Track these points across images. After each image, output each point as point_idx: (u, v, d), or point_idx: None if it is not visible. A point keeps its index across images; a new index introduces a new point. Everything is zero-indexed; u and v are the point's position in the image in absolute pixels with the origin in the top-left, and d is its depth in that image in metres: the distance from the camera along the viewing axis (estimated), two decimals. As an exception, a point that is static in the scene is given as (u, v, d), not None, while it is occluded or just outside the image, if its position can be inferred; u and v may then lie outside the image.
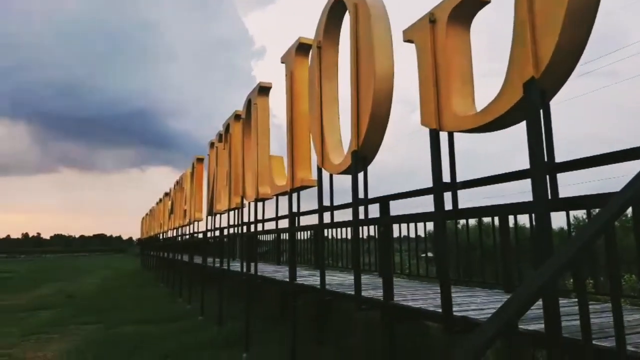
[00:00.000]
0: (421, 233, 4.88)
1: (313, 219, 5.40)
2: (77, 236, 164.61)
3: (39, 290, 17.69)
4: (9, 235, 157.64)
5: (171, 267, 16.95)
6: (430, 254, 6.09)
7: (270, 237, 10.61)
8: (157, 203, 23.13)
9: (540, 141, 2.51)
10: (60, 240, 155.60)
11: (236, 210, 8.32)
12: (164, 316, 10.14)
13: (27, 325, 9.82)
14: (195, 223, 12.27)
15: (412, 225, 4.71)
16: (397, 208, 4.59)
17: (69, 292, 16.40)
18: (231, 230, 8.93)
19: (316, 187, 4.92)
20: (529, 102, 2.56)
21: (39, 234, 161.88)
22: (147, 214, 30.01)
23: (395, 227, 4.53)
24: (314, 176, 5.18)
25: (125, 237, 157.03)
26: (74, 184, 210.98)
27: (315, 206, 4.87)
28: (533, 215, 3.30)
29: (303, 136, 5.46)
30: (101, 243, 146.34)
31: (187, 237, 13.87)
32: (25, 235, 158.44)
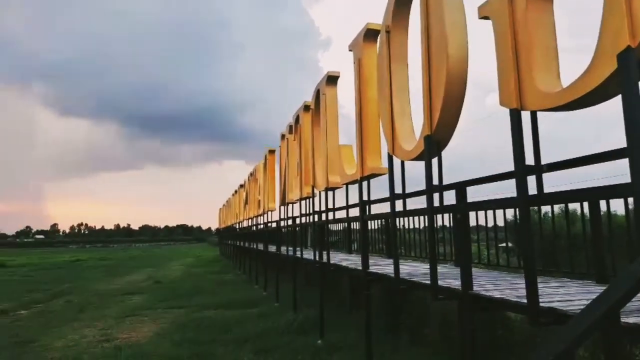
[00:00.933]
0: (499, 222, 4.64)
1: (384, 208, 5.32)
2: (162, 227, 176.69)
3: (131, 277, 19.24)
4: (103, 226, 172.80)
5: (247, 255, 17.65)
6: (510, 244, 5.79)
7: (340, 227, 10.66)
8: (232, 194, 24.13)
9: (638, 115, 2.26)
10: (147, 231, 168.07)
11: (307, 200, 8.44)
12: (242, 302, 10.58)
13: (122, 308, 10.71)
14: (269, 213, 12.63)
15: (489, 213, 4.49)
16: (471, 197, 4.39)
17: (156, 278, 17.67)
18: (303, 220, 9.08)
19: (387, 175, 4.84)
20: (625, 74, 2.31)
21: (129, 224, 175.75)
22: (224, 205, 31.42)
23: (471, 215, 4.33)
24: (385, 164, 5.09)
25: (204, 227, 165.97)
26: (158, 179, 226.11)
27: (387, 194, 4.80)
28: (631, 199, 3.01)
29: (372, 123, 5.39)
30: (183, 233, 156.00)
31: (262, 226, 14.35)
32: (117, 226, 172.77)
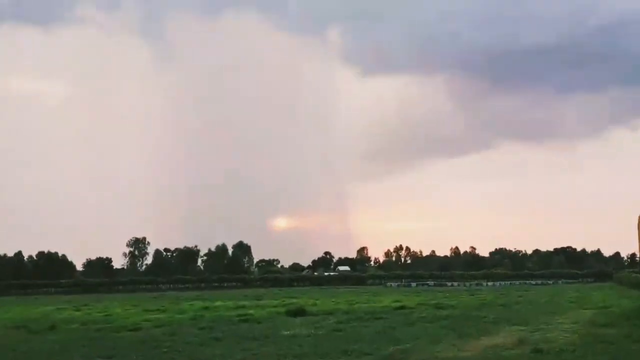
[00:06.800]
0: None
1: None
2: (528, 251, 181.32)
3: (490, 338, 20.23)
4: (421, 252, 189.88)
5: None
6: None
7: None
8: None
9: None
10: (499, 257, 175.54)
11: None
12: None
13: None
14: None
15: None
16: None
17: (533, 343, 18.13)
18: None
19: None
20: None
21: (472, 249, 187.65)
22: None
23: None
24: None
25: (608, 253, 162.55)
26: (517, 164, 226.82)
27: None
28: None
29: None
30: (567, 262, 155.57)
31: None
32: (456, 252, 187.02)
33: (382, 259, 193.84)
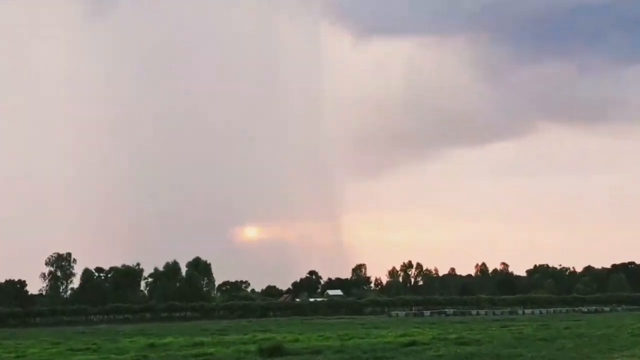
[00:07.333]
0: None
1: None
2: (574, 268, 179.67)
3: None
4: (437, 269, 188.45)
5: None
6: None
7: None
8: None
9: None
10: (539, 275, 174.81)
11: None
12: None
13: None
14: None
15: None
16: None
17: None
18: None
19: None
20: None
21: (504, 267, 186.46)
22: None
23: None
24: None
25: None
26: (566, 154, 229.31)
27: None
28: None
29: None
30: (632, 283, 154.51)
31: None
32: (481, 269, 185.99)
33: (384, 279, 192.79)
